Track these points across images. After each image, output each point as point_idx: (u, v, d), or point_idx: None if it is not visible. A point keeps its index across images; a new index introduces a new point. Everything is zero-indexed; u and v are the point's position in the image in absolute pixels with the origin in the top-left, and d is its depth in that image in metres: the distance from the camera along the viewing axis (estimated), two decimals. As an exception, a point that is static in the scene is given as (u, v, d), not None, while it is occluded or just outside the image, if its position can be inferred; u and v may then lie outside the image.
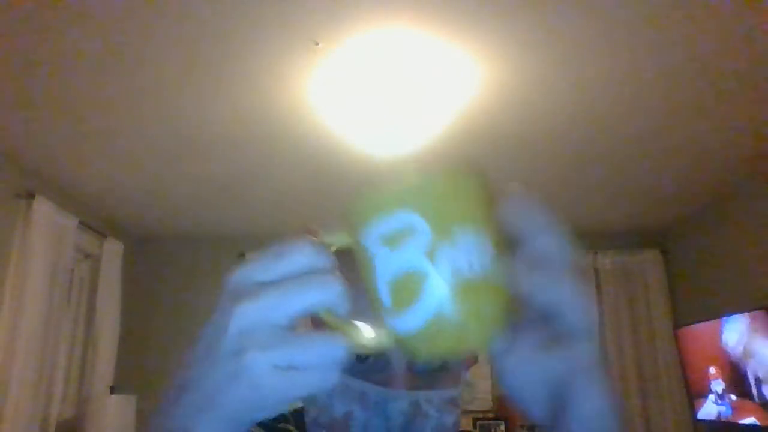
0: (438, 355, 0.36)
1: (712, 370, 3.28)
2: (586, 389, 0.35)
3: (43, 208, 2.97)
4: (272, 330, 0.31)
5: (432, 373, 0.56)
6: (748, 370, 2.97)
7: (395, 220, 0.33)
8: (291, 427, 0.63)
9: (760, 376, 2.88)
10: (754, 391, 2.93)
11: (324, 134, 2.64)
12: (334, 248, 0.34)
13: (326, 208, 3.60)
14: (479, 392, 3.85)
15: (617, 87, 2.29)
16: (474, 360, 0.65)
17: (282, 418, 0.65)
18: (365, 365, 0.54)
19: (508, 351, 0.37)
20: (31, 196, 2.92)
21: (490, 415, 3.81)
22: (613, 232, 4.31)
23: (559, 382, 0.36)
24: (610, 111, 2.48)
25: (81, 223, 3.35)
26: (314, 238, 0.34)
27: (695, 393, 3.47)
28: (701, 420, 3.41)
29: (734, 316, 3.09)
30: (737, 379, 3.06)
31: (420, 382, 0.54)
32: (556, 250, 0.34)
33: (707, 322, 3.37)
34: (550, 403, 0.37)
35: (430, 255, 0.32)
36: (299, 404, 0.65)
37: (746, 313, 3.02)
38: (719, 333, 3.21)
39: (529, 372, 0.37)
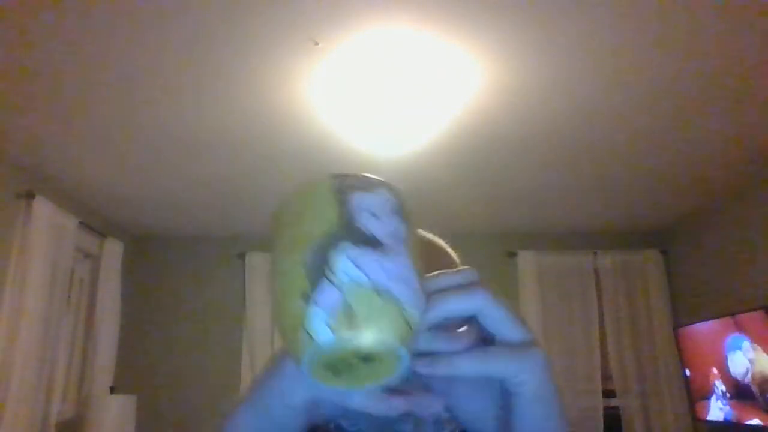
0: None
1: (714, 370, 3.27)
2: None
3: (43, 208, 2.96)
4: None
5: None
6: (750, 381, 2.96)
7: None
8: None
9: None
10: (757, 395, 2.92)
11: (324, 134, 2.64)
12: None
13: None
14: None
15: (618, 87, 2.29)
16: None
17: None
18: None
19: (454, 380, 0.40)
20: (31, 196, 2.92)
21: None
22: (613, 232, 4.32)
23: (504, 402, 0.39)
24: (610, 111, 2.48)
25: (81, 223, 3.35)
26: None
27: (698, 395, 3.46)
28: (706, 421, 3.40)
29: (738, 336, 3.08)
30: (738, 383, 3.06)
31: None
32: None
33: (707, 322, 3.37)
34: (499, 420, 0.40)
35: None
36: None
37: (746, 314, 3.02)
38: (721, 342, 3.20)
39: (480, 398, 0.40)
